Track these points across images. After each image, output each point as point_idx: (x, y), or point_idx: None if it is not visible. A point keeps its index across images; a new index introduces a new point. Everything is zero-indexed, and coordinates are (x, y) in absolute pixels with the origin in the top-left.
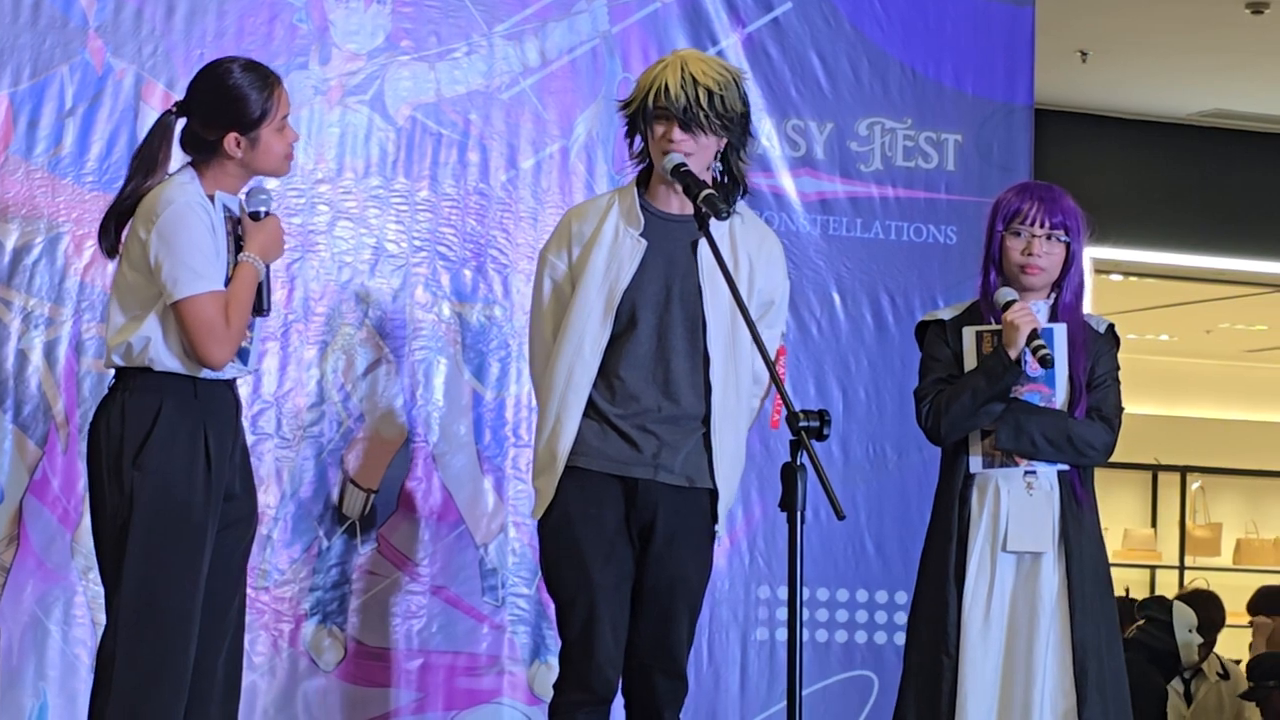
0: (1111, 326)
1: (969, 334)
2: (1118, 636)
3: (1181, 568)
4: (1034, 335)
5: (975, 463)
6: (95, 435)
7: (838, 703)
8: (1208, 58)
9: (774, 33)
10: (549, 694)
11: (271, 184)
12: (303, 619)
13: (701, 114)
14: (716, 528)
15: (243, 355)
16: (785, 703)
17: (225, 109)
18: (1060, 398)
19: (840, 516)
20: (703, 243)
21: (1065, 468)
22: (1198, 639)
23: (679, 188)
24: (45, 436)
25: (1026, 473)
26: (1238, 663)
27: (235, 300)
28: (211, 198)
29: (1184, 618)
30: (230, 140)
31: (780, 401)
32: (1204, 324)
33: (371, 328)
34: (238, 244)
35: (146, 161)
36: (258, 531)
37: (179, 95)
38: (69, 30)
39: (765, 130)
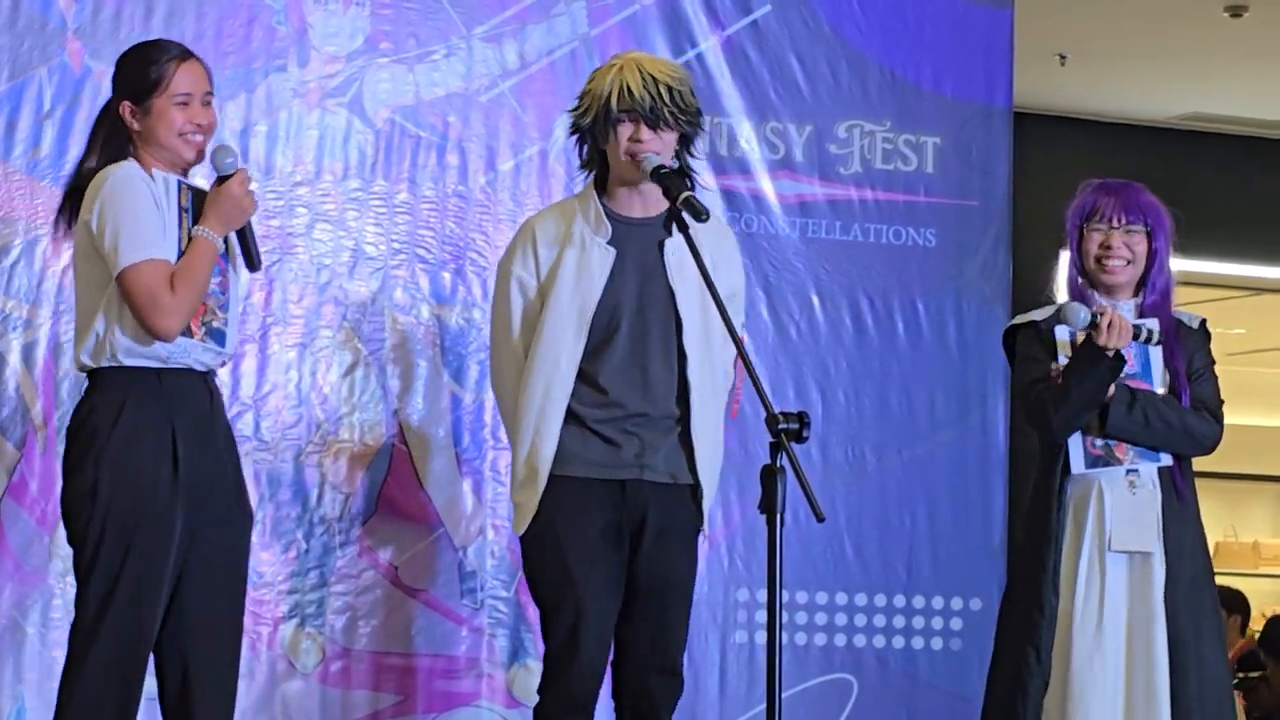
0: (1204, 322)
1: (1063, 332)
2: (1218, 633)
3: None
4: (1136, 332)
5: (1077, 460)
6: (68, 437)
7: (817, 705)
8: (1187, 61)
9: (753, 35)
10: (528, 697)
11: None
12: (281, 621)
13: (666, 110)
14: (702, 525)
15: (217, 336)
16: (764, 705)
17: (122, 76)
18: (1160, 393)
19: (820, 519)
20: (669, 243)
21: (1167, 464)
22: None
23: (644, 189)
24: (23, 439)
25: (1128, 471)
26: None
27: (183, 271)
28: (151, 175)
29: None
30: (125, 109)
31: (740, 393)
32: None
33: (350, 330)
34: (195, 220)
35: (91, 142)
36: None
37: None
38: (47, 32)
39: (744, 133)
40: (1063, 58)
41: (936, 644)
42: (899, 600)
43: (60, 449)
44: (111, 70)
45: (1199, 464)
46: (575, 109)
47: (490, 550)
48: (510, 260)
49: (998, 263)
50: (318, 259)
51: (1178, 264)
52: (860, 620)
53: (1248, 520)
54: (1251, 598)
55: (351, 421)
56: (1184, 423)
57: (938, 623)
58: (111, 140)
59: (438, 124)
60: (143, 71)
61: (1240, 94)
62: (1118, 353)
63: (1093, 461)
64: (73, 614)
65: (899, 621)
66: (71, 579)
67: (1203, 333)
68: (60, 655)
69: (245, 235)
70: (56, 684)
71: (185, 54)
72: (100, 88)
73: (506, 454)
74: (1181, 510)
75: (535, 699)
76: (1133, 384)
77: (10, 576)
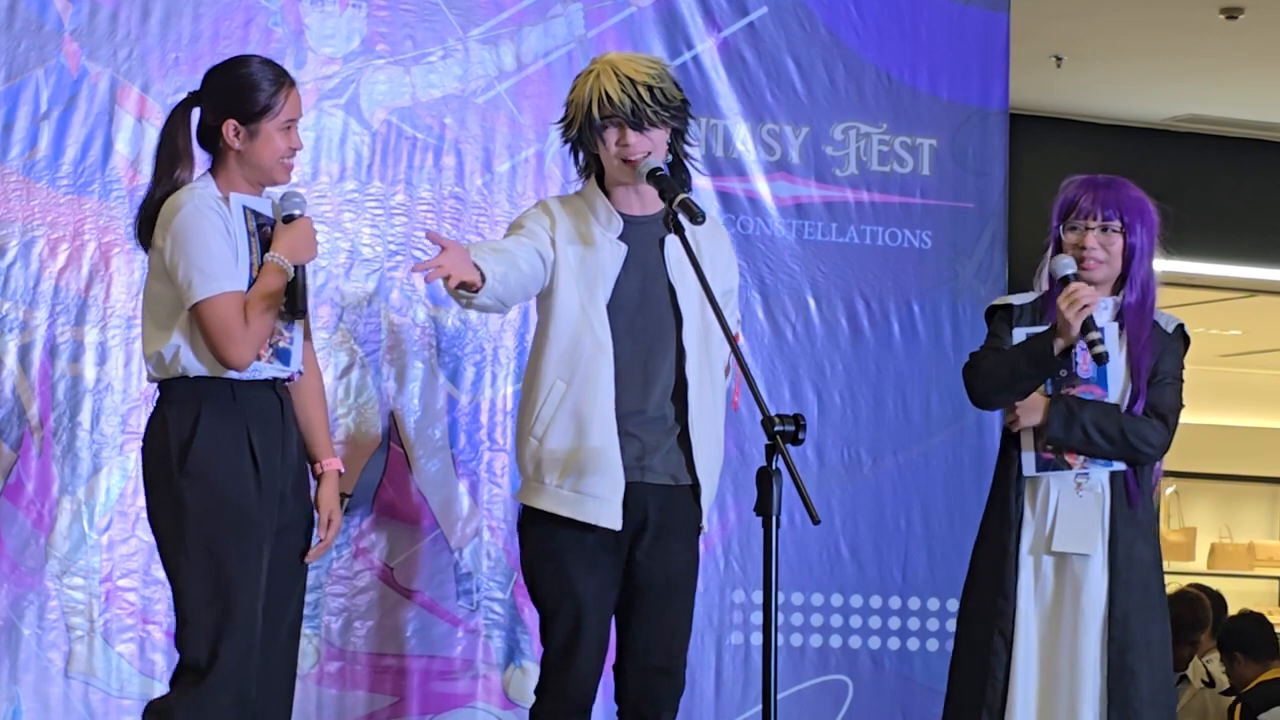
0: (1181, 326)
1: (1020, 336)
2: (1166, 639)
3: None
4: (1090, 326)
5: (1028, 464)
6: (145, 450)
7: (812, 707)
8: (1182, 63)
9: (749, 37)
10: (523, 698)
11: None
12: None
13: (649, 110)
14: (702, 523)
15: (283, 356)
16: (760, 707)
17: (230, 95)
18: (1113, 398)
19: (815, 521)
20: (669, 240)
21: (1119, 469)
22: None
23: (641, 188)
24: (19, 440)
25: (1078, 475)
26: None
27: (255, 300)
28: (226, 200)
29: None
30: (229, 128)
31: (740, 383)
32: None
33: (346, 331)
34: (265, 246)
35: (169, 151)
36: None
37: (154, 98)
38: (44, 33)
39: (740, 134)
40: (1058, 60)
41: (932, 645)
42: (894, 601)
43: (57, 451)
44: (109, 72)
45: (1194, 464)
46: (562, 120)
47: (486, 552)
48: (526, 215)
49: (993, 265)
50: (314, 260)
51: (1174, 265)
52: (856, 621)
53: (1242, 521)
54: (1246, 599)
55: (347, 423)
56: (1126, 434)
57: (933, 624)
58: (205, 151)
59: (434, 125)
60: (253, 94)
61: (1236, 96)
62: (1065, 354)
63: (1044, 465)
64: (66, 617)
65: (894, 623)
66: (67, 580)
67: (1178, 337)
68: (56, 657)
69: (299, 279)
70: (51, 685)
71: (290, 78)
72: (97, 89)
73: (502, 455)
74: (1131, 515)
75: (530, 700)
76: (1086, 389)
77: (6, 578)
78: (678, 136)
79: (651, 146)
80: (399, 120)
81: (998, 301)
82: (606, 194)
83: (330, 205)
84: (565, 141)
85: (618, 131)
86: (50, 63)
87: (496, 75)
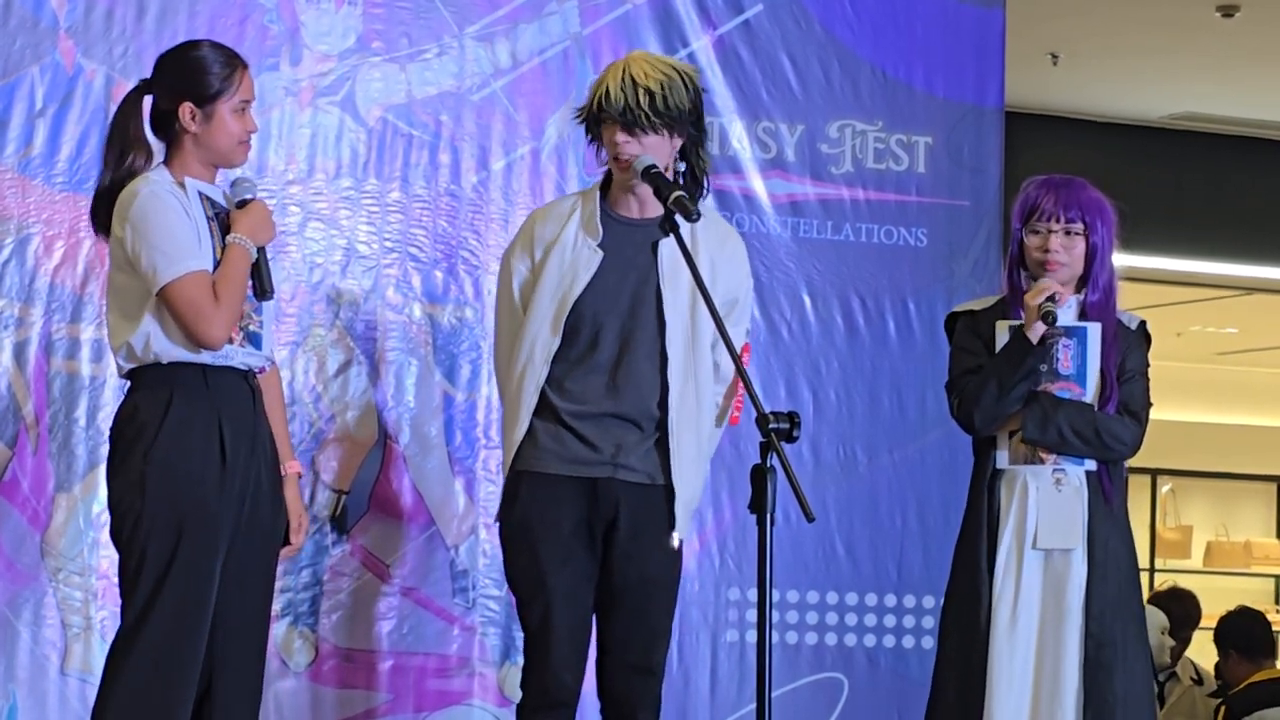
0: (1143, 324)
1: (1003, 328)
2: (1143, 636)
3: (1151, 570)
4: (1048, 300)
5: (1002, 458)
6: (114, 436)
7: (808, 705)
8: (1178, 61)
9: (745, 35)
10: (519, 696)
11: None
12: (274, 620)
13: (641, 115)
14: (676, 529)
15: (255, 340)
16: (755, 704)
17: (184, 78)
18: (1090, 397)
19: (810, 518)
20: (663, 244)
21: (1093, 467)
22: (1169, 641)
23: (639, 191)
24: (15, 438)
25: (1055, 470)
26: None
27: (224, 279)
28: (182, 185)
29: (1154, 619)
30: (185, 111)
31: (741, 398)
32: (1175, 327)
33: (342, 329)
34: (225, 230)
35: (120, 139)
36: None
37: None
38: (39, 31)
39: (736, 132)
40: (1054, 57)
41: (927, 643)
42: (889, 599)
43: (52, 447)
44: (105, 69)
45: (1191, 462)
46: (580, 107)
47: (482, 549)
48: (511, 253)
49: (989, 262)
50: (310, 257)
51: (1170, 263)
52: (851, 619)
53: (1239, 519)
54: (1242, 597)
55: (344, 420)
56: (1100, 433)
57: (928, 622)
58: (159, 138)
59: (430, 123)
60: (207, 75)
61: (1232, 94)
62: (1043, 341)
63: (1016, 458)
64: (63, 614)
65: (890, 621)
66: (63, 577)
67: (1141, 334)
68: (52, 654)
69: (262, 261)
70: (47, 682)
71: (242, 61)
72: (92, 86)
73: (498, 453)
74: (1108, 512)
75: None
76: (1065, 385)
77: (2, 575)
78: (694, 145)
79: (641, 150)
80: (395, 117)
81: (959, 309)
82: (610, 195)
83: (326, 202)
84: (585, 129)
85: (611, 130)
86: (45, 60)
87: (492, 72)
